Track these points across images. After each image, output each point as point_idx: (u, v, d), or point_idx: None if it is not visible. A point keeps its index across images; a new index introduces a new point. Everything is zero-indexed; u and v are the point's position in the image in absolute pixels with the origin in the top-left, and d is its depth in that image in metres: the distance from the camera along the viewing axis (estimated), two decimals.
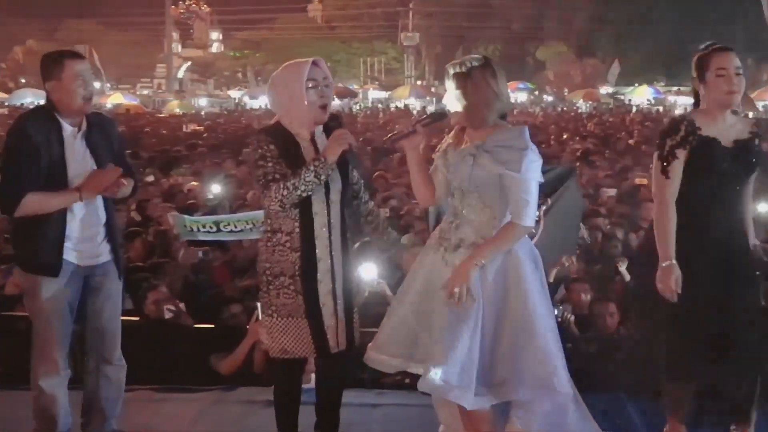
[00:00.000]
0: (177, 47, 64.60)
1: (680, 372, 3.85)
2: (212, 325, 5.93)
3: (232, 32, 68.26)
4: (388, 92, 50.88)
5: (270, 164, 3.75)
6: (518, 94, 50.33)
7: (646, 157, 15.17)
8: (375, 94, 53.21)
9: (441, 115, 3.75)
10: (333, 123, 3.90)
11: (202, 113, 40.32)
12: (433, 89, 48.99)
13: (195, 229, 6.86)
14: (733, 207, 3.75)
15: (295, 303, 3.83)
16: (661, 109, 39.77)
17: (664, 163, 3.76)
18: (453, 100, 3.60)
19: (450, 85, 3.59)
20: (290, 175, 3.72)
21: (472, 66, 3.54)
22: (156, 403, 4.99)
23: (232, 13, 65.16)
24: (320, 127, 3.91)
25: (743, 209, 3.79)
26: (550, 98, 47.79)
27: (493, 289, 3.53)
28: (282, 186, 3.70)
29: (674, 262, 3.70)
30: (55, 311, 4.07)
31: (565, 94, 46.96)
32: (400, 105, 43.82)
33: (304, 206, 3.81)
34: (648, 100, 43.69)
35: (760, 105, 32.92)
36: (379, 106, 46.68)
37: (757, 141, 3.83)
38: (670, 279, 3.69)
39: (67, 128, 4.06)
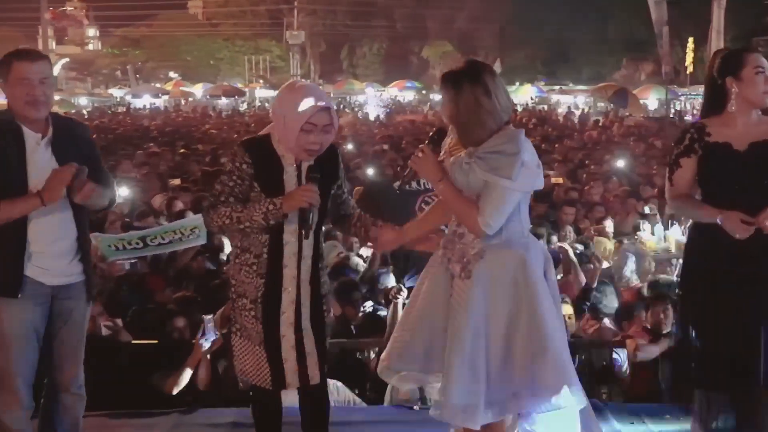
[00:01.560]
0: (52, 44, 62.12)
1: (710, 380, 3.78)
2: (155, 341, 5.59)
3: (110, 29, 66.19)
4: (276, 91, 50.25)
5: (231, 183, 3.50)
6: (405, 93, 50.73)
7: (545, 155, 15.51)
8: (262, 92, 52.51)
9: (441, 132, 3.56)
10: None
11: (84, 112, 38.81)
12: (320, 88, 48.76)
13: (121, 247, 6.53)
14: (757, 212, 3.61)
15: (255, 329, 3.60)
16: (545, 107, 40.80)
17: (670, 171, 3.79)
18: (446, 114, 3.42)
19: (443, 96, 3.40)
20: (240, 205, 3.48)
21: (462, 81, 3.34)
22: (112, 430, 4.63)
23: (110, 9, 63.29)
24: None
25: None
26: (438, 97, 48.23)
27: (502, 297, 3.38)
28: (227, 214, 3.48)
29: (722, 213, 3.59)
30: (18, 337, 3.67)
31: None
32: None
33: (275, 233, 3.56)
34: (532, 98, 44.71)
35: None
36: (267, 105, 46.17)
37: None
38: (735, 222, 3.56)
39: (29, 134, 3.69)
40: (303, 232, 3.53)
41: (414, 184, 5.58)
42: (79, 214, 3.83)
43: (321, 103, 3.48)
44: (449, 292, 3.47)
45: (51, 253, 3.74)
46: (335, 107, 4.03)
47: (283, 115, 3.50)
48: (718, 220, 3.59)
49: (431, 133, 3.58)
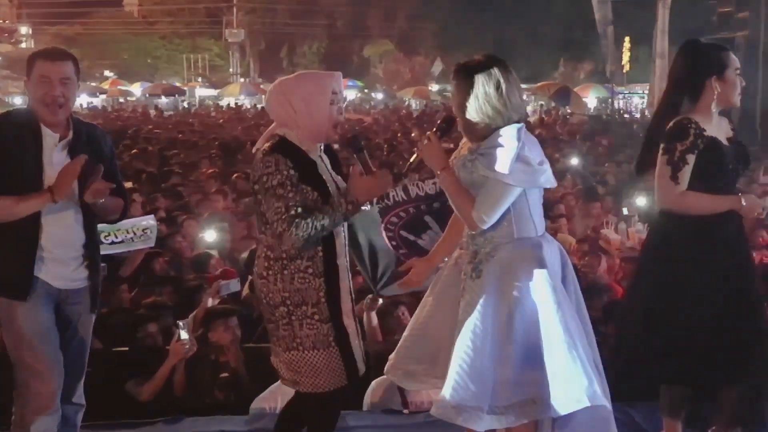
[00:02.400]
0: None
1: (676, 374, 3.81)
2: (126, 348, 5.49)
3: (44, 27, 64.63)
4: (217, 90, 49.80)
5: (291, 194, 3.41)
6: (348, 92, 50.64)
7: None
8: (202, 91, 51.98)
9: (450, 121, 3.53)
10: (352, 144, 3.60)
11: None
12: (262, 86, 48.42)
13: None
14: None
15: (319, 333, 3.53)
16: None
17: (675, 169, 3.69)
18: (456, 107, 3.40)
19: (454, 87, 3.38)
20: (312, 208, 3.42)
21: (474, 75, 3.33)
22: None
23: (43, 6, 61.83)
24: (321, 146, 3.63)
25: None
26: (380, 96, 48.35)
27: (513, 298, 3.34)
28: (311, 225, 3.39)
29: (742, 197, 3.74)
30: (38, 334, 3.62)
31: (395, 91, 47.60)
32: (231, 103, 43.04)
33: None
34: None
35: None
36: (208, 102, 45.75)
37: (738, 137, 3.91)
38: (755, 201, 3.77)
39: (48, 134, 3.64)
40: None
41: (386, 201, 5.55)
42: (89, 221, 3.76)
43: (333, 72, 3.60)
44: (461, 293, 3.45)
45: (61, 257, 3.69)
46: None
47: (306, 103, 3.49)
48: (743, 203, 3.72)
49: (440, 121, 3.57)
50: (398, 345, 3.67)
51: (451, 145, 3.76)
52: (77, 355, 3.87)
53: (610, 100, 38.35)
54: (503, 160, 3.30)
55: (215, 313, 5.61)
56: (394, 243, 5.45)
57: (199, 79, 56.69)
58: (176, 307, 6.04)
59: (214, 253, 7.47)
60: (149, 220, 6.66)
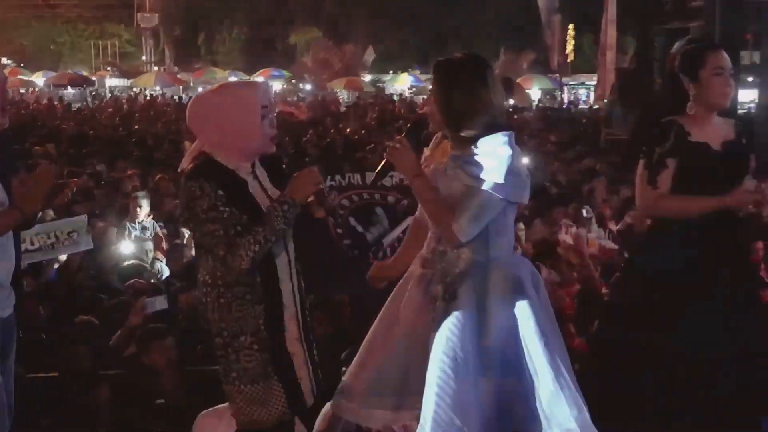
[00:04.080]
0: None
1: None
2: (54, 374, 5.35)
3: None
4: (129, 80, 48.99)
5: (225, 215, 3.36)
6: (273, 83, 50.29)
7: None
8: (113, 81, 51.01)
9: (420, 123, 3.52)
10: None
11: None
12: (179, 76, 47.80)
13: None
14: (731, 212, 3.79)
15: (260, 362, 3.48)
16: (424, 98, 41.26)
17: (653, 173, 3.75)
18: (435, 107, 3.39)
19: (433, 86, 3.38)
20: (249, 224, 3.37)
21: (458, 71, 3.32)
22: None
23: None
24: (257, 158, 3.59)
25: None
26: (309, 87, 48.12)
27: (492, 322, 3.35)
28: (252, 241, 3.35)
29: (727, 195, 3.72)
30: None
31: (325, 81, 47.42)
32: (146, 94, 42.37)
33: None
34: (409, 88, 45.16)
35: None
36: (119, 94, 44.90)
37: (743, 140, 3.92)
38: (742, 194, 3.73)
39: None
40: (325, 209, 3.55)
41: (335, 179, 5.53)
42: (17, 234, 3.64)
43: (258, 83, 3.60)
44: (431, 315, 3.41)
45: (4, 284, 3.59)
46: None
47: (234, 120, 3.42)
48: (728, 201, 3.71)
49: (409, 125, 3.56)
50: (348, 379, 3.63)
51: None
52: (9, 394, 3.76)
53: (556, 92, 38.83)
54: (495, 171, 3.29)
55: (148, 334, 5.51)
56: (339, 231, 5.45)
57: (109, 68, 55.67)
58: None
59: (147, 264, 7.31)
60: (75, 223, 6.39)
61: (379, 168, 3.60)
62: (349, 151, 15.96)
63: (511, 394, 3.32)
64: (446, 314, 3.38)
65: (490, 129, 3.36)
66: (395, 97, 40.04)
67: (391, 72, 50.60)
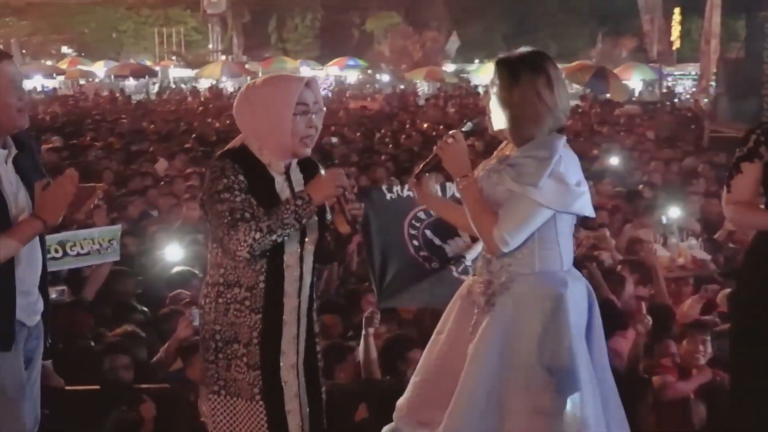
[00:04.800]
0: None
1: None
2: (96, 387, 5.52)
3: None
4: (194, 70, 49.88)
5: (238, 198, 3.44)
6: (348, 73, 50.64)
7: None
8: (177, 72, 52.04)
9: (479, 122, 3.62)
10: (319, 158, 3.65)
11: None
12: (247, 66, 48.42)
13: None
14: None
15: (248, 379, 3.54)
16: None
17: (728, 176, 3.85)
18: (495, 107, 3.43)
19: (494, 87, 3.42)
20: (263, 215, 3.42)
21: (522, 69, 3.36)
22: None
23: None
24: (295, 160, 3.66)
25: None
26: (386, 77, 48.34)
27: (525, 342, 3.40)
28: (254, 227, 3.40)
29: None
30: (21, 389, 3.68)
31: (404, 72, 47.56)
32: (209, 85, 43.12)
33: (274, 255, 3.53)
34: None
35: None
36: (184, 86, 45.74)
37: None
38: None
39: None
40: (350, 222, 3.53)
41: (409, 192, 5.57)
42: (43, 241, 3.77)
43: (303, 77, 3.59)
44: (473, 327, 3.48)
45: (29, 288, 3.71)
46: None
47: (267, 113, 3.51)
48: None
49: (468, 119, 3.64)
50: (409, 390, 3.70)
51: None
52: (37, 395, 3.94)
53: (657, 82, 38.18)
54: (534, 174, 3.32)
55: (193, 346, 5.61)
56: (416, 243, 5.49)
57: (173, 58, 56.67)
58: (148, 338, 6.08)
59: (197, 270, 7.43)
60: (115, 231, 6.62)
61: (425, 161, 3.65)
62: (427, 149, 15.99)
63: (540, 420, 3.36)
64: (483, 325, 3.44)
65: (552, 131, 3.40)
66: (480, 89, 39.86)
67: (476, 61, 50.41)
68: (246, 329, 3.53)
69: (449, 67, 48.43)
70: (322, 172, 3.64)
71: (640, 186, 11.53)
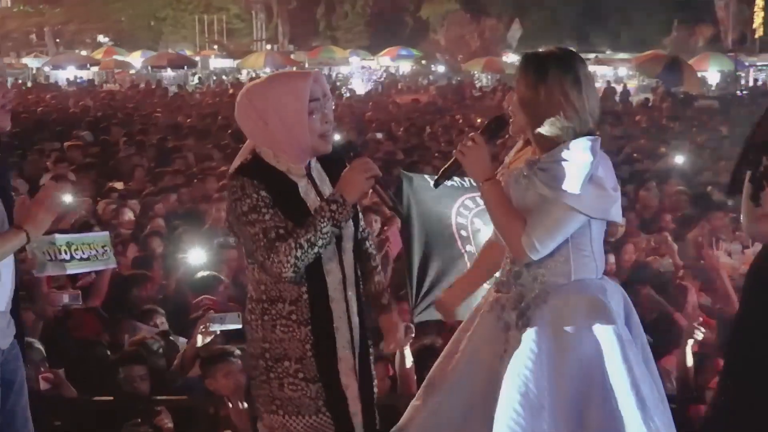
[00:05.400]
0: None
1: None
2: (111, 397, 5.61)
3: None
4: (236, 60, 50.27)
5: (267, 217, 3.49)
6: (400, 63, 50.67)
7: None
8: (218, 62, 52.45)
9: (501, 121, 3.61)
10: (344, 152, 3.67)
11: None
12: (293, 56, 48.65)
13: (53, 255, 6.43)
14: None
15: (307, 395, 3.59)
16: None
17: (756, 187, 3.73)
18: (517, 105, 3.45)
19: (517, 82, 3.44)
20: (298, 229, 3.47)
21: (549, 66, 3.38)
22: None
23: None
24: (314, 158, 3.71)
25: None
26: (441, 68, 48.31)
27: (571, 356, 3.37)
28: (294, 245, 3.44)
29: None
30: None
31: (460, 62, 47.51)
32: (253, 76, 43.36)
33: (313, 264, 3.56)
34: None
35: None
36: (225, 78, 46.06)
37: None
38: None
39: None
40: (394, 208, 3.66)
41: (454, 180, 5.58)
42: (16, 260, 3.82)
43: (309, 72, 3.63)
44: (503, 346, 3.47)
45: (2, 308, 3.74)
46: None
47: (279, 116, 3.55)
48: None
49: (488, 121, 3.64)
50: (411, 410, 3.71)
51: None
52: (26, 419, 3.95)
53: (736, 74, 37.67)
54: (572, 179, 3.34)
55: (214, 356, 5.69)
56: (464, 233, 5.48)
57: (215, 47, 57.10)
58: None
59: (223, 276, 7.50)
60: (104, 236, 6.71)
61: (445, 167, 3.67)
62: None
63: None
64: (519, 345, 3.42)
65: (580, 133, 3.40)
66: None
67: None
68: (297, 343, 3.58)
69: (510, 58, 48.23)
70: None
71: (708, 187, 11.38)
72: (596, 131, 3.47)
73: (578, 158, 3.36)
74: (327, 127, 3.62)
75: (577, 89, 3.40)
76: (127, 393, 5.61)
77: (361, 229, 3.83)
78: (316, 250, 3.47)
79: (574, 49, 3.62)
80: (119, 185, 11.50)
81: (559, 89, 3.39)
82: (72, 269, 6.44)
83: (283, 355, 3.59)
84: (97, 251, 6.27)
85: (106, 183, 11.68)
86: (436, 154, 13.93)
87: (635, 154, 14.73)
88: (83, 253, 6.26)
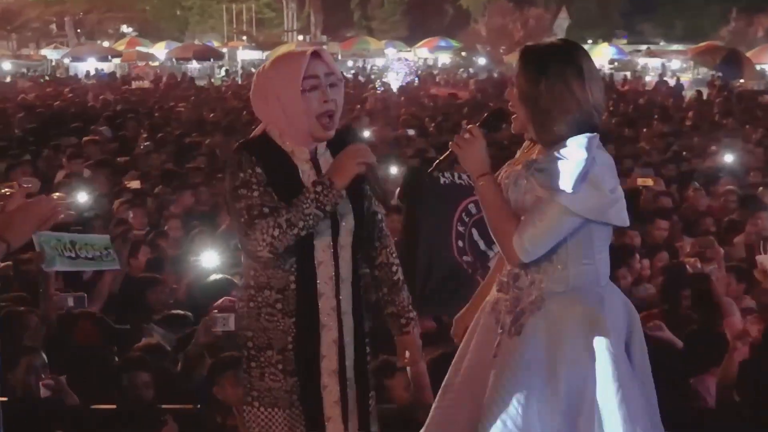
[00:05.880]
0: None
1: None
2: (113, 406, 5.66)
3: None
4: (265, 52, 50.37)
5: (255, 194, 3.55)
6: (438, 55, 50.64)
7: (628, 144, 15.40)
8: (246, 54, 52.59)
9: (500, 115, 3.64)
10: (347, 136, 3.75)
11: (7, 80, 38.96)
12: (325, 47, 48.70)
13: (60, 251, 6.51)
14: None
15: (283, 388, 3.66)
16: (628, 75, 40.51)
17: None
18: (517, 100, 3.48)
19: (517, 76, 3.48)
20: (282, 208, 3.52)
21: (550, 59, 3.40)
22: None
23: None
24: (323, 143, 3.76)
25: None
26: (482, 60, 48.23)
27: (560, 368, 3.41)
28: (272, 224, 3.50)
29: None
30: None
31: (503, 54, 47.43)
32: None
33: (304, 253, 3.63)
34: (610, 62, 44.49)
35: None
36: (254, 70, 46.13)
37: None
38: None
39: None
40: (380, 198, 3.74)
41: (462, 177, 5.59)
42: None
43: (307, 50, 3.65)
44: (495, 350, 3.51)
45: None
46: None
47: (275, 94, 3.63)
48: None
49: (486, 114, 3.66)
50: (430, 416, 3.75)
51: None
52: None
53: None
54: (565, 177, 3.34)
55: (223, 363, 5.73)
56: (461, 244, 5.51)
57: (243, 38, 57.29)
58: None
59: (236, 279, 7.57)
60: (104, 238, 6.80)
61: (439, 159, 3.71)
62: (517, 145, 15.87)
63: None
64: (508, 352, 3.46)
65: (583, 130, 3.41)
66: None
67: (590, 41, 49.99)
68: (280, 334, 3.65)
69: None
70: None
71: (760, 188, 11.29)
72: (600, 126, 3.46)
73: (573, 156, 3.36)
74: (326, 107, 3.64)
75: (580, 82, 3.40)
76: (131, 401, 5.68)
77: (377, 233, 3.89)
78: (295, 231, 3.51)
79: (584, 43, 3.64)
80: (136, 184, 11.57)
81: (561, 83, 3.40)
82: (80, 267, 6.56)
83: (267, 345, 3.66)
84: (100, 253, 6.37)
85: (122, 180, 11.76)
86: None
87: (684, 152, 14.65)
88: (87, 253, 6.37)
